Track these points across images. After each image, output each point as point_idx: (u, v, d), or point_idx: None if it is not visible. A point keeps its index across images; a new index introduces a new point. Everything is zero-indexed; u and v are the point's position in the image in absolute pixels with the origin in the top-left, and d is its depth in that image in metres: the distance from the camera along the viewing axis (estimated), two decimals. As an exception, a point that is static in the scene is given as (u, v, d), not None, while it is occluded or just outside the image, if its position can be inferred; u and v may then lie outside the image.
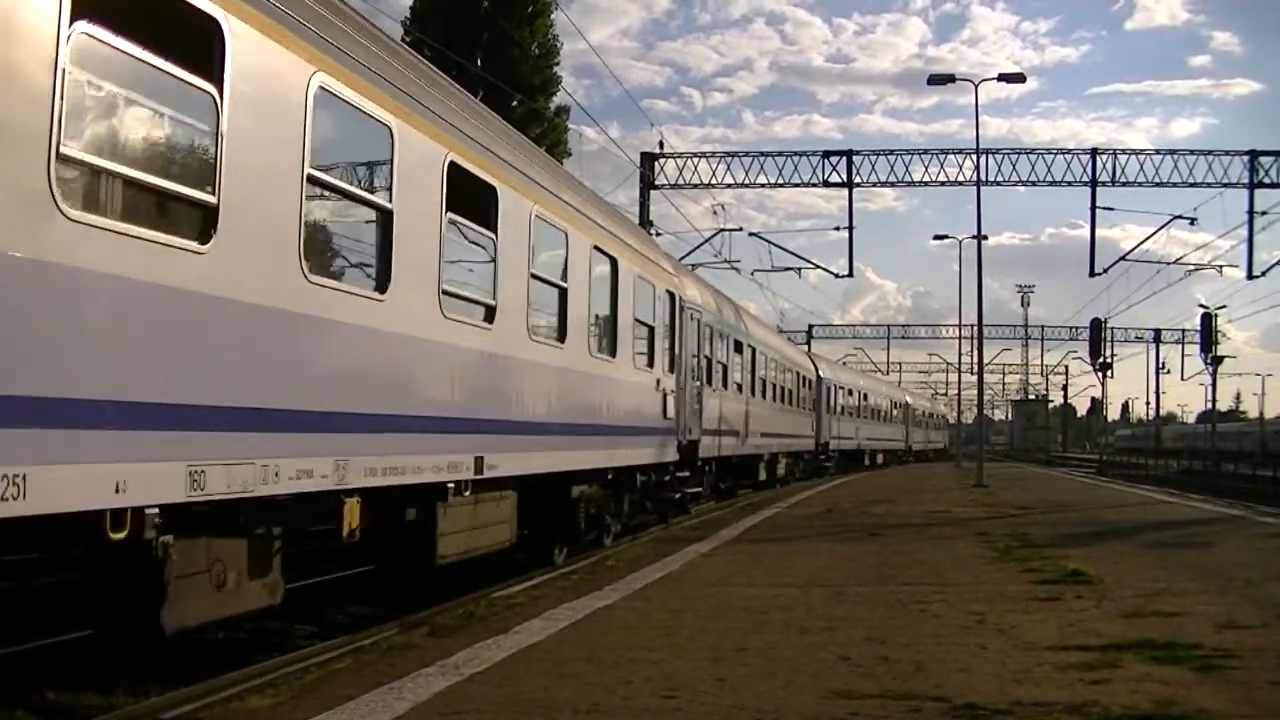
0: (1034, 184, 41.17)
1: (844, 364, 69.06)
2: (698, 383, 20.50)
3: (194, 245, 6.28)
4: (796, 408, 36.64)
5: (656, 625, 8.75)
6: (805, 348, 54.30)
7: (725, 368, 24.21)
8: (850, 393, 49.58)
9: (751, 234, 47.47)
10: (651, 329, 16.76)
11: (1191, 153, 40.01)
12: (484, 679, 6.73)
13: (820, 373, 42.42)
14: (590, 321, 13.65)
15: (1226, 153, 39.65)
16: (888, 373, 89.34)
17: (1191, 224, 42.63)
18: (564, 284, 12.68)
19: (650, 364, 16.68)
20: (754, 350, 28.42)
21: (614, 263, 14.79)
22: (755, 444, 28.32)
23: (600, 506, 15.31)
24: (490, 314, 10.68)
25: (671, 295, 18.39)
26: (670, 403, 17.72)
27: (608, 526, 16.01)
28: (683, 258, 37.15)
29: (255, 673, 7.47)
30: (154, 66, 6.01)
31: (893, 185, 42.85)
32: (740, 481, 29.44)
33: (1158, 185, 40.00)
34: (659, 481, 18.69)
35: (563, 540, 14.18)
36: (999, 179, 40.96)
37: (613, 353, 14.68)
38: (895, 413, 64.61)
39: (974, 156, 38.92)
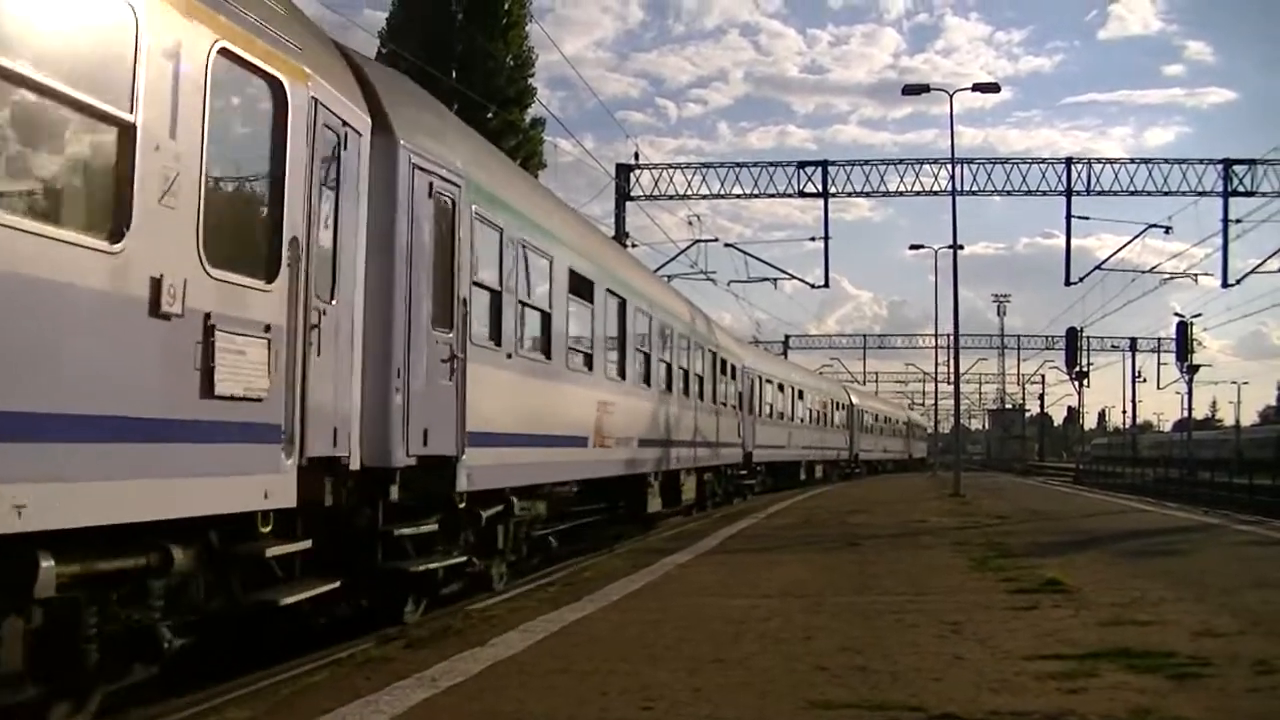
0: (1009, 193, 41.46)
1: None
2: (447, 334, 10.28)
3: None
4: (713, 403, 26.80)
5: (633, 636, 8.73)
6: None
7: (548, 319, 13.67)
8: (781, 388, 39.89)
9: (727, 245, 47.39)
10: (126, 129, 6.14)
11: (1166, 161, 40.40)
12: (461, 691, 6.71)
13: (745, 362, 32.84)
14: None
15: (1201, 161, 40.01)
16: (864, 383, 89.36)
17: (1166, 233, 42.97)
18: None
19: (114, 230, 6.05)
20: (624, 302, 17.71)
21: None
22: (630, 456, 17.94)
23: None
24: None
25: (275, 88, 7.71)
26: (224, 359, 6.86)
27: None
28: (659, 269, 37.06)
29: (231, 686, 7.41)
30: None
31: (868, 195, 43.25)
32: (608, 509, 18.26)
33: (1133, 194, 40.43)
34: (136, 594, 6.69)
35: None
36: (974, 189, 41.26)
37: None
38: (838, 415, 54.01)
39: (949, 166, 39.02)
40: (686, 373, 23.18)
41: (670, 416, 21.28)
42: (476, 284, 11.21)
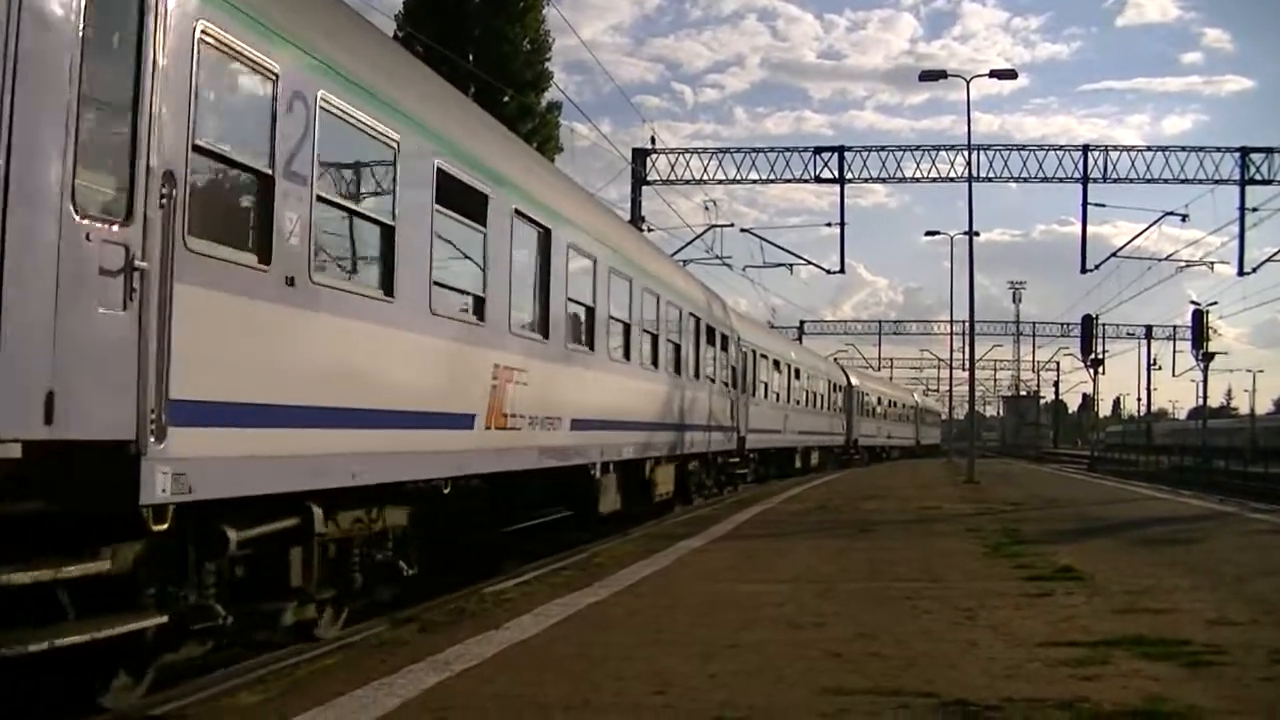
0: (1025, 180, 41.28)
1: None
2: (115, 227, 5.72)
3: None
4: (696, 378, 21.76)
5: (647, 621, 8.75)
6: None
7: (390, 236, 8.83)
8: (777, 365, 35.03)
9: (743, 230, 47.21)
10: None
11: (1183, 149, 40.21)
12: (475, 675, 6.74)
13: (741, 334, 28.18)
14: None
15: (1218, 149, 39.80)
16: (879, 368, 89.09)
17: (1183, 220, 42.70)
18: None
19: None
20: (549, 233, 12.90)
21: None
22: (557, 442, 13.19)
23: None
24: None
25: None
26: None
27: None
28: (675, 253, 36.91)
29: (245, 669, 7.45)
30: None
31: (884, 181, 43.29)
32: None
33: (1149, 182, 40.27)
34: None
35: None
36: (990, 175, 41.09)
37: None
38: (835, 397, 48.62)
39: (965, 153, 38.85)
40: (656, 338, 18.45)
41: (630, 392, 16.75)
42: (205, 152, 6.55)
